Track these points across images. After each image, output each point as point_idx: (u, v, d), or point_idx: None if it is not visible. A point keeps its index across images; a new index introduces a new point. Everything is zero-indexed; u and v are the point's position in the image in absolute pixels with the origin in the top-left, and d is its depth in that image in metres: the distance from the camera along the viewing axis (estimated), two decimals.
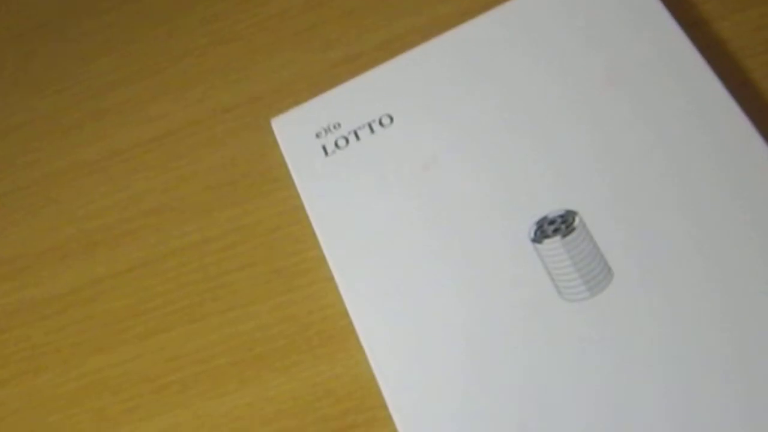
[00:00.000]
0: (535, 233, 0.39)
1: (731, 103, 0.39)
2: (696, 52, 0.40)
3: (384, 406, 0.39)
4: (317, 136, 0.44)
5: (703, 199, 0.38)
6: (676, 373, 0.35)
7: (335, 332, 0.41)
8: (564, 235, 0.39)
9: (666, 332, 0.36)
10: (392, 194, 0.42)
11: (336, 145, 0.44)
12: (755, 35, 0.42)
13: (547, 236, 0.39)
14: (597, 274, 0.38)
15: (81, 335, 0.44)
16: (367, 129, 0.44)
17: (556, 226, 0.39)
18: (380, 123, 0.44)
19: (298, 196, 0.45)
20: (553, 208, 0.39)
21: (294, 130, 0.45)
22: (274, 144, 0.46)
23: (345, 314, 0.41)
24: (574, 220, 0.39)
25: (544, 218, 0.39)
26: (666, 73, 0.40)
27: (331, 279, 0.42)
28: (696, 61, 0.40)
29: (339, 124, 0.44)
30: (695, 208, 0.38)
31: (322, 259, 0.43)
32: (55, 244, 0.47)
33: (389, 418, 0.39)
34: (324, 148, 0.44)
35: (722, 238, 0.37)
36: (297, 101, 0.47)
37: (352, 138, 0.44)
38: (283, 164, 0.46)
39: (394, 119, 0.43)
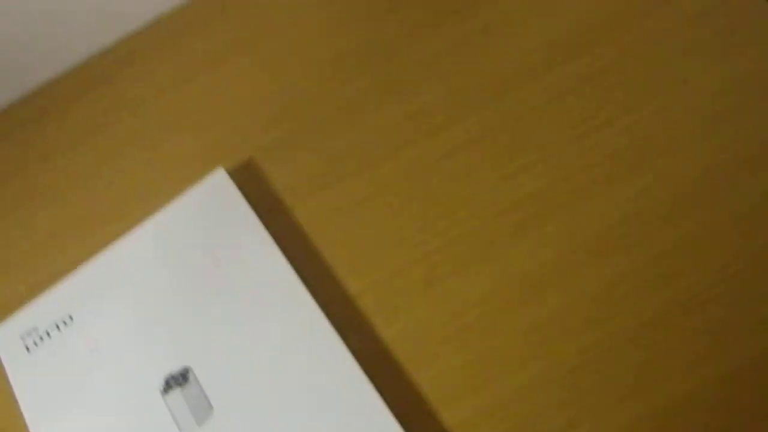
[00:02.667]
0: (164, 386, 0.56)
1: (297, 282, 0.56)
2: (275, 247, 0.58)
3: None
4: (21, 338, 0.61)
5: (275, 360, 0.55)
6: None
7: None
8: (182, 386, 0.55)
9: None
10: (69, 373, 0.58)
11: (34, 343, 0.60)
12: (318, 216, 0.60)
13: (170, 387, 0.55)
14: (203, 409, 0.54)
15: None
16: (55, 328, 0.60)
17: (177, 380, 0.56)
18: (63, 322, 0.60)
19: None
20: (175, 365, 0.56)
21: (5, 336, 0.61)
22: None
23: None
24: (188, 373, 0.56)
25: (170, 374, 0.56)
26: (251, 265, 0.58)
27: None
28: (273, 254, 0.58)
29: (36, 327, 0.61)
30: (270, 365, 0.55)
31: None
32: None
33: None
34: (27, 347, 0.60)
35: (286, 388, 0.54)
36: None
37: (45, 336, 0.60)
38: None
39: (74, 318, 0.60)
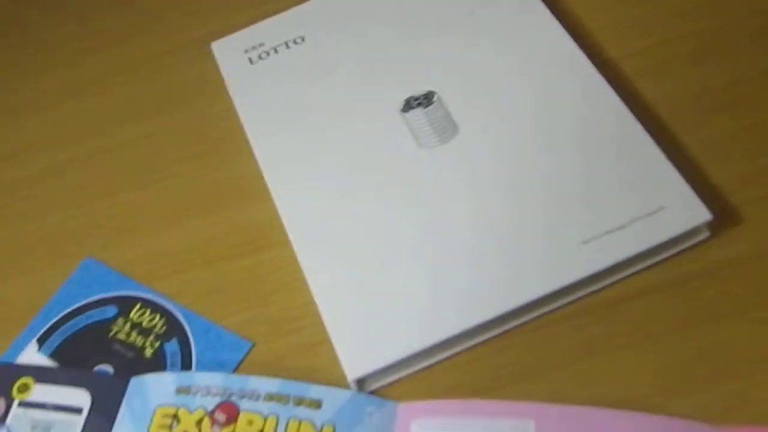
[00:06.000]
0: (404, 106, 0.52)
1: (551, 18, 0.53)
2: None
3: (285, 233, 0.50)
4: (245, 51, 0.57)
5: (531, 92, 0.51)
6: (506, 191, 0.47)
7: (254, 188, 0.53)
8: (425, 107, 0.52)
9: (496, 166, 0.48)
10: (300, 88, 0.54)
11: (259, 57, 0.57)
12: None
13: (411, 107, 0.52)
14: (446, 129, 0.50)
15: None
16: (284, 46, 0.57)
17: (419, 101, 0.52)
18: (294, 42, 0.57)
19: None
20: (419, 89, 0.53)
21: (227, 49, 0.58)
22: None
23: (261, 176, 0.53)
24: (433, 96, 0.52)
25: (411, 96, 0.52)
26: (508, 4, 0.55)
27: (251, 149, 0.54)
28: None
29: (263, 44, 0.57)
30: (527, 98, 0.51)
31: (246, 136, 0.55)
32: None
33: (289, 242, 0.50)
34: (250, 59, 0.57)
35: (542, 119, 0.50)
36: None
37: (272, 52, 0.57)
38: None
39: (306, 39, 0.57)
